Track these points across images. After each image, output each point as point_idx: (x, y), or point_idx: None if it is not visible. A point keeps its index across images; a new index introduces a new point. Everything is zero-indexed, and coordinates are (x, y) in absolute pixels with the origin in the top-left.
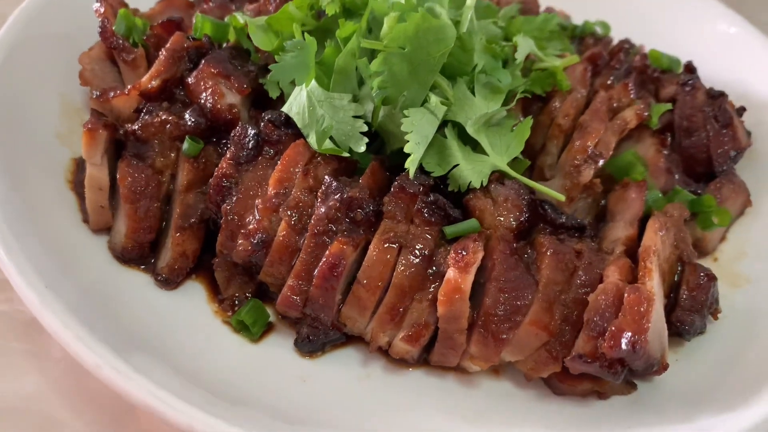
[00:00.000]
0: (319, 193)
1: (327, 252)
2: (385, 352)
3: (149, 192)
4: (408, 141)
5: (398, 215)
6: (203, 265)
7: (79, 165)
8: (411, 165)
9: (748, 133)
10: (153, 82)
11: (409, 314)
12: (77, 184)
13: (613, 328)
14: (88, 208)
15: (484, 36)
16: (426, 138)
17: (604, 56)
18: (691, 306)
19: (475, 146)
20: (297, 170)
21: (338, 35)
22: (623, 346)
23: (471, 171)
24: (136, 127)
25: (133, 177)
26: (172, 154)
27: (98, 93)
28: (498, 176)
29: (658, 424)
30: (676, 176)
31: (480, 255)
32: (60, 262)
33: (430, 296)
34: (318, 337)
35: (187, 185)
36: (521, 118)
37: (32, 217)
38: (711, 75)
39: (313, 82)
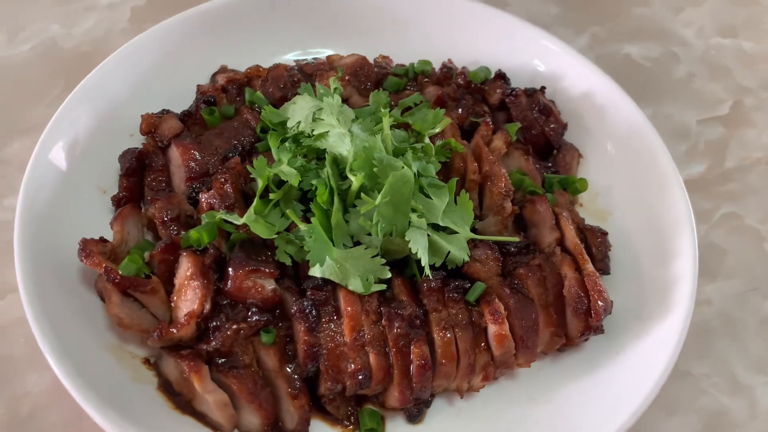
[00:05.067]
0: (384, 322)
1: (411, 356)
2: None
3: (260, 386)
4: (400, 253)
5: (438, 306)
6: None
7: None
8: (426, 269)
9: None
10: (206, 306)
11: (477, 364)
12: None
13: (593, 307)
14: (221, 422)
15: (399, 143)
16: (425, 247)
17: (445, 93)
18: (601, 257)
19: (444, 229)
20: (359, 313)
21: (318, 200)
22: (602, 314)
23: (457, 250)
24: (217, 344)
25: (244, 383)
26: (251, 347)
27: (155, 336)
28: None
29: None
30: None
31: (503, 307)
32: None
33: (484, 345)
34: (420, 409)
35: (279, 364)
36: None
37: None
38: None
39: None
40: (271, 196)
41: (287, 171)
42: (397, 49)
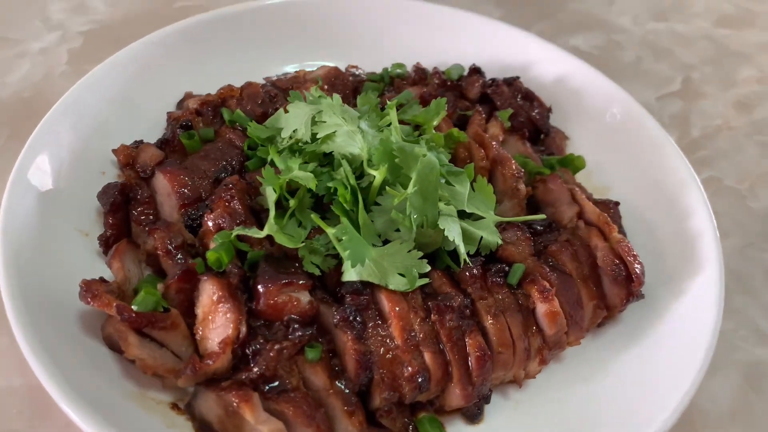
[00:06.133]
0: (433, 317)
1: (468, 349)
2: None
3: (314, 408)
4: (431, 246)
5: (483, 293)
6: None
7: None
8: (463, 256)
9: None
10: (241, 329)
11: (532, 348)
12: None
13: (632, 272)
14: None
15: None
16: (460, 233)
17: (426, 92)
18: (618, 227)
19: (470, 215)
20: (406, 313)
21: (341, 201)
22: (642, 277)
23: (489, 235)
24: (260, 369)
25: (300, 407)
26: (295, 368)
27: (188, 372)
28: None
29: None
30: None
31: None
32: None
33: (534, 328)
34: (480, 406)
35: (329, 381)
36: None
37: None
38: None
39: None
40: (291, 203)
41: (303, 175)
42: (362, 59)
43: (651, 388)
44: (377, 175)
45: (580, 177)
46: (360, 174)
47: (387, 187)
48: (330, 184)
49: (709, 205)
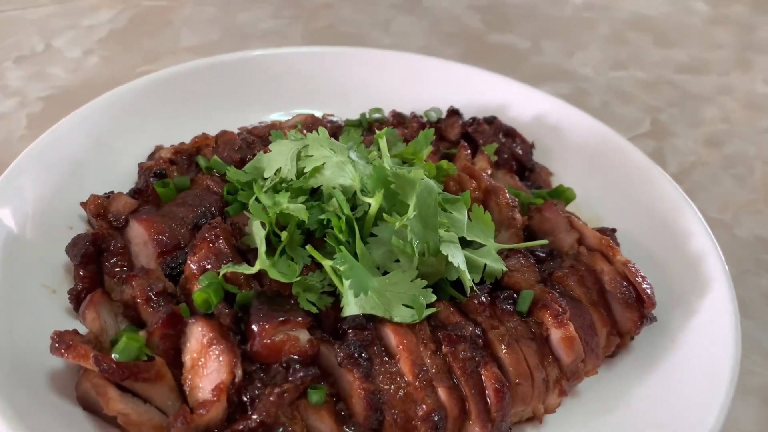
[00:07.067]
0: (444, 350)
1: (484, 381)
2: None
3: None
4: (434, 276)
5: (494, 322)
6: None
7: None
8: (469, 283)
9: None
10: (236, 373)
11: (550, 379)
12: None
13: (642, 294)
14: None
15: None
16: (464, 261)
17: (406, 134)
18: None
19: (470, 244)
20: (415, 346)
21: (336, 233)
22: (653, 297)
23: (492, 262)
24: (260, 417)
25: None
26: (297, 414)
27: (178, 425)
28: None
29: None
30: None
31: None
32: None
33: (550, 358)
34: None
35: (336, 427)
36: None
37: None
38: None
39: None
40: (282, 236)
41: (294, 207)
42: (336, 110)
43: (675, 419)
44: (373, 202)
45: (569, 210)
46: (353, 206)
47: (384, 215)
48: (322, 216)
49: (706, 224)
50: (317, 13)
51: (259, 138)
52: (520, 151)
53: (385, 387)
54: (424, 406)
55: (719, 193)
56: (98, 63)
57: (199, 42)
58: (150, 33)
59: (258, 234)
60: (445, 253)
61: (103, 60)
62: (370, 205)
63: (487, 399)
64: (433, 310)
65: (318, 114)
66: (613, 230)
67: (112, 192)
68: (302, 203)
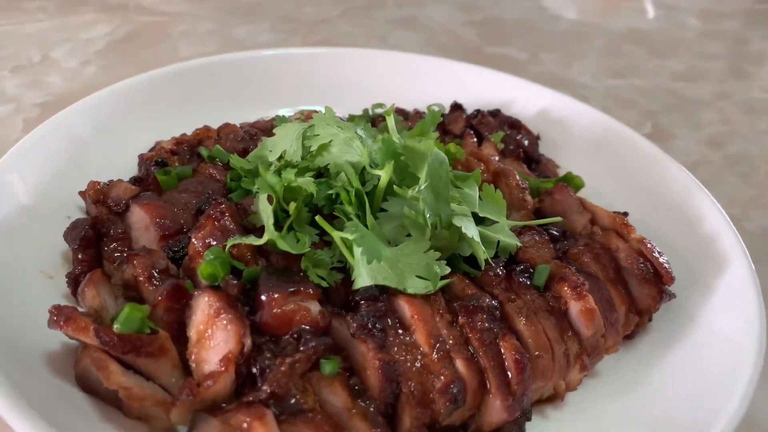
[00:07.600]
0: (461, 321)
1: (504, 353)
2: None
3: (336, 427)
4: (446, 250)
5: (510, 295)
6: None
7: None
8: (484, 256)
9: None
10: (245, 342)
11: (571, 353)
12: None
13: (660, 269)
14: None
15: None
16: (477, 233)
17: (411, 126)
18: None
19: (482, 221)
20: (431, 317)
21: (345, 208)
22: (671, 272)
23: (506, 237)
24: (270, 387)
25: (320, 428)
26: (309, 387)
27: (183, 396)
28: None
29: None
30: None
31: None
32: None
33: (570, 333)
34: (521, 425)
35: (350, 399)
36: None
37: None
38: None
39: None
40: (290, 209)
41: (302, 181)
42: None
43: (697, 400)
44: (383, 174)
45: None
46: (362, 183)
47: (395, 186)
48: (331, 191)
49: (719, 205)
50: (314, 27)
51: (262, 131)
52: (526, 142)
53: (401, 358)
54: (442, 378)
55: (725, 189)
56: (95, 72)
57: (196, 53)
58: (148, 45)
59: (265, 210)
60: (458, 225)
61: (100, 69)
62: (379, 178)
63: (507, 372)
64: (447, 281)
65: (321, 110)
66: (625, 213)
67: (111, 180)
68: (312, 177)
